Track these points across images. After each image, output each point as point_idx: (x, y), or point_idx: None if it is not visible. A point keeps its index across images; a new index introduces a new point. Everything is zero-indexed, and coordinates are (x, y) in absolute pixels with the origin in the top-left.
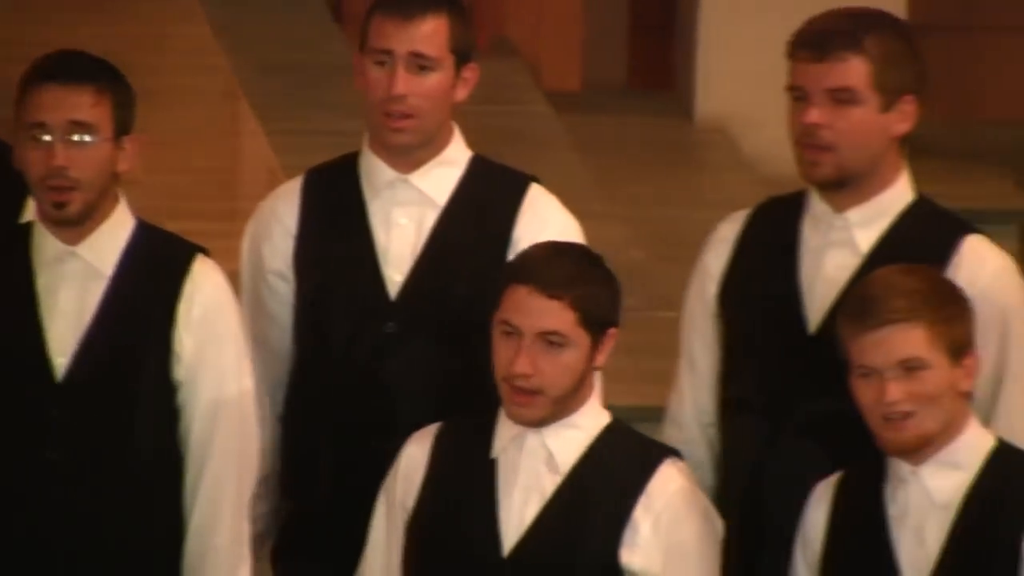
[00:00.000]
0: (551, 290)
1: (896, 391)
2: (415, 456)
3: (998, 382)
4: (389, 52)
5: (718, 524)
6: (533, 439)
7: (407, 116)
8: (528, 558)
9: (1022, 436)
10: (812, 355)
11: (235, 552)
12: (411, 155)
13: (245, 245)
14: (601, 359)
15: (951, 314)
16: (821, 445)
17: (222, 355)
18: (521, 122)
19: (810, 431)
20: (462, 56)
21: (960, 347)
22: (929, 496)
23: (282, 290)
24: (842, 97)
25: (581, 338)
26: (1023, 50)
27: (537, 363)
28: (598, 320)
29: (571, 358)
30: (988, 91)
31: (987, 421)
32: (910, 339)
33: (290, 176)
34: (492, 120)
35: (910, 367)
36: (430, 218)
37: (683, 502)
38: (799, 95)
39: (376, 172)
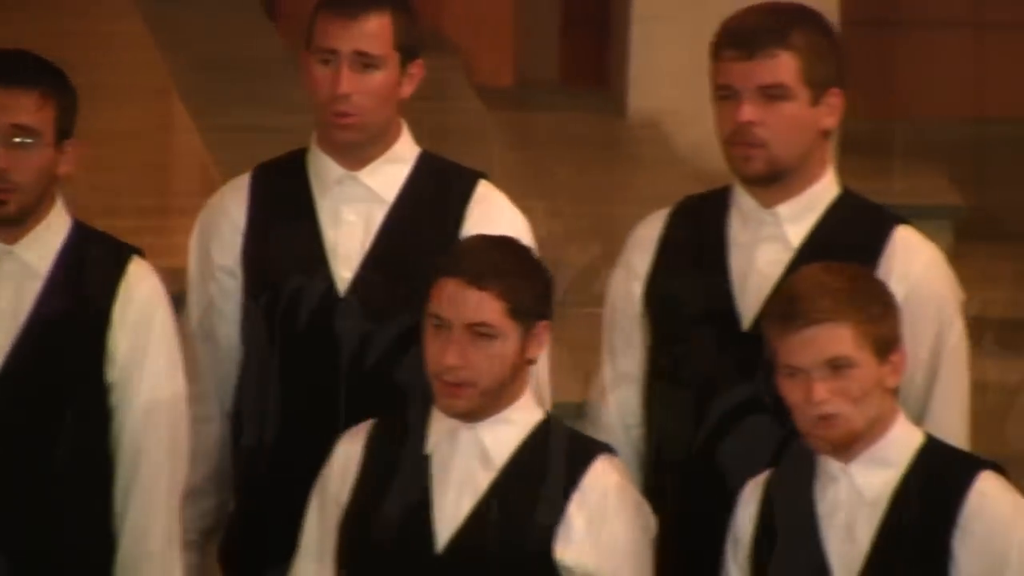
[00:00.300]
0: (479, 281)
1: (823, 390)
2: (349, 452)
3: (933, 372)
4: (334, 51)
5: (651, 520)
6: (467, 434)
7: (353, 114)
8: (462, 553)
9: (956, 427)
10: (746, 351)
11: (169, 556)
12: (359, 152)
13: (193, 241)
14: (534, 352)
15: (877, 312)
16: (753, 440)
17: (156, 357)
18: (453, 118)
19: (742, 426)
20: (407, 53)
21: (886, 344)
22: (859, 493)
23: (230, 287)
24: (773, 93)
25: (510, 329)
26: (952, 45)
27: (466, 355)
28: (527, 311)
29: (500, 350)
30: (918, 87)
31: (922, 413)
32: (836, 338)
33: (224, 173)
34: (424, 116)
35: (837, 366)
36: (378, 215)
37: (617, 498)
38: (727, 94)
39: (324, 169)
